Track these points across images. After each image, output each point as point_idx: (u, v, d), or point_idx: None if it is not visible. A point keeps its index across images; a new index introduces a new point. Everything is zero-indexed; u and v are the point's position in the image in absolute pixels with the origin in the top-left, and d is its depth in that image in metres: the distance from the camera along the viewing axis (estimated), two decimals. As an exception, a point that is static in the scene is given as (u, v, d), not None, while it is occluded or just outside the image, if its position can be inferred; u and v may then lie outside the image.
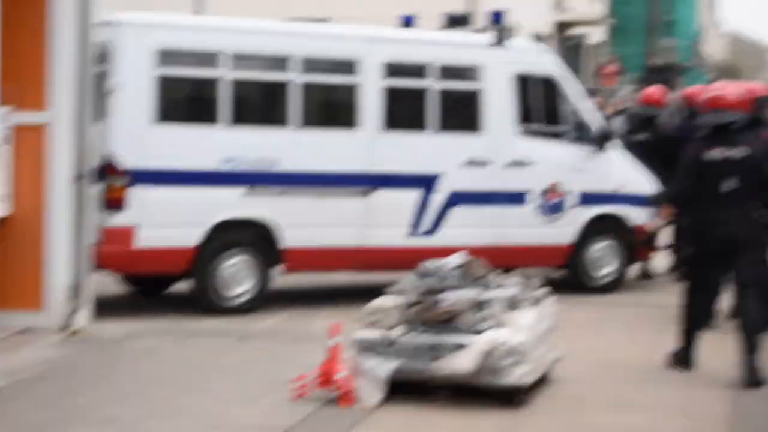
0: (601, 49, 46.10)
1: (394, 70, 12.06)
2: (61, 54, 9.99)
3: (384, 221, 11.99)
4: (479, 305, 8.22)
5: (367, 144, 11.95)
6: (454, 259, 8.70)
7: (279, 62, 11.59)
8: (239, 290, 11.38)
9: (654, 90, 14.87)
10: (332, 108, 12.27)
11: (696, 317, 9.32)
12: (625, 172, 13.21)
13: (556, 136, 12.87)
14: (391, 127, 12.06)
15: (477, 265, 8.71)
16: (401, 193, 12.12)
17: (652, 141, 14.00)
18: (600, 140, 12.97)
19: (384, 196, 12.00)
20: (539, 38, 37.98)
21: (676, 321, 9.46)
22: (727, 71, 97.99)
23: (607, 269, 13.14)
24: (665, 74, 39.05)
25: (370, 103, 11.92)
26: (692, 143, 9.52)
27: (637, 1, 61.20)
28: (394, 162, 12.09)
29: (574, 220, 12.88)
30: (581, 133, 12.97)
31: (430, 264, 8.61)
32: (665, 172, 13.66)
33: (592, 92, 26.46)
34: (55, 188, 10.04)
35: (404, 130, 12.19)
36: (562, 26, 41.40)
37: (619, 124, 23.03)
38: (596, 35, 45.56)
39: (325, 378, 7.85)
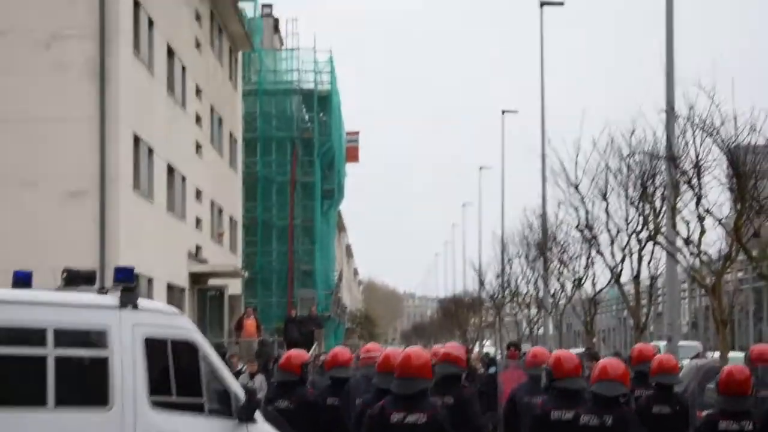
0: (240, 301, 45.46)
1: (3, 335, 10.32)
2: None
3: None
4: None
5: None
6: None
7: None
8: None
9: (295, 354, 13.70)
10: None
11: None
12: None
13: (194, 407, 11.30)
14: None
15: None
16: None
17: (294, 408, 12.80)
18: (245, 411, 11.49)
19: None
20: (175, 290, 36.93)
21: None
22: (365, 320, 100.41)
23: None
24: (305, 325, 38.51)
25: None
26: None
27: (275, 252, 61.61)
28: (5, 443, 10.19)
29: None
30: (223, 403, 11.48)
31: None
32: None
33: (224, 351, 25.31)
34: None
35: (16, 405, 10.34)
36: (198, 277, 40.51)
37: (259, 383, 21.98)
38: (234, 287, 44.96)
39: None
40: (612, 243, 27.93)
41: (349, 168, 79.33)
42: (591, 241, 29.77)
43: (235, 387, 11.62)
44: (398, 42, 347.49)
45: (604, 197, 27.36)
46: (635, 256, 26.89)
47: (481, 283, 59.88)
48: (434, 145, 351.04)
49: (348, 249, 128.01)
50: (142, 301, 11.29)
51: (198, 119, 42.34)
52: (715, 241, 21.06)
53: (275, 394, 13.32)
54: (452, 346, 13.21)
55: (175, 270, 37.13)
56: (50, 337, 10.49)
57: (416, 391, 10.06)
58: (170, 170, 36.90)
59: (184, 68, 39.42)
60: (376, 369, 11.60)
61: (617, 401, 10.35)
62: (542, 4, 46.70)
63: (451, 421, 11.73)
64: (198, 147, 42.09)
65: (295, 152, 61.92)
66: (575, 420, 10.38)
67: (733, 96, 19.00)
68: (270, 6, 68.25)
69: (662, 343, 25.72)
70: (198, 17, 42.68)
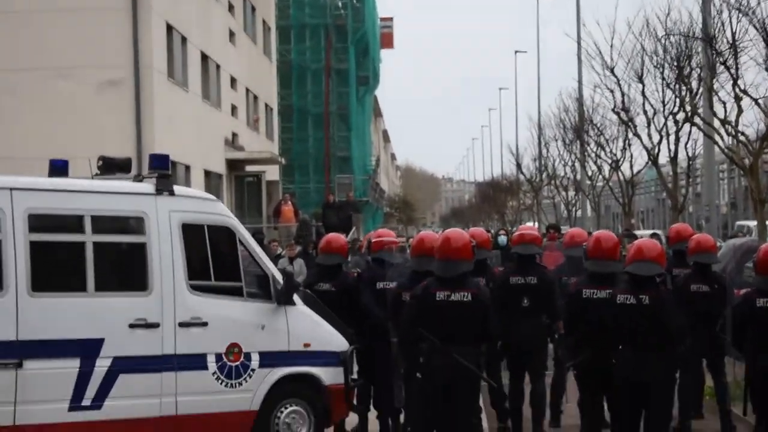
0: (277, 187, 45.61)
1: (43, 222, 10.46)
2: None
3: (40, 396, 10.20)
4: None
5: (12, 309, 10.17)
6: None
7: None
8: None
9: (334, 237, 13.72)
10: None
11: None
12: (313, 328, 11.91)
13: (232, 291, 11.46)
14: (41, 288, 10.33)
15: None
16: (58, 363, 10.36)
17: (335, 291, 12.89)
18: (283, 294, 11.64)
19: (37, 366, 10.23)
20: (212, 177, 37.10)
21: None
22: (403, 204, 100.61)
23: (298, 436, 11.77)
24: (343, 210, 38.61)
25: (15, 262, 10.20)
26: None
27: (311, 139, 61.65)
28: (48, 327, 10.34)
29: (259, 383, 11.45)
30: (261, 287, 11.63)
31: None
32: (354, 325, 12.58)
33: (262, 237, 25.43)
34: None
35: (57, 291, 10.50)
36: (235, 164, 40.64)
37: (298, 267, 22.13)
38: (272, 173, 45.10)
39: None
40: (649, 125, 27.76)
41: (384, 54, 78.89)
42: (628, 124, 29.59)
43: (273, 271, 11.77)
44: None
45: (640, 79, 27.10)
46: (672, 138, 26.74)
47: (519, 167, 59.76)
48: (469, 30, 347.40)
49: (385, 134, 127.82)
50: (177, 188, 11.40)
51: (231, 7, 42.09)
52: (752, 122, 20.92)
53: (316, 277, 13.39)
54: (526, 227, 13.25)
55: (212, 157, 37.27)
56: (88, 224, 10.62)
57: (458, 273, 10.09)
58: (204, 58, 36.82)
59: (215, -45, 39.14)
60: (411, 253, 11.64)
61: (653, 281, 10.36)
62: None
63: (534, 301, 12.25)
64: (231, 35, 41.91)
65: (329, 39, 61.58)
66: (612, 298, 10.41)
67: (769, -25, 18.65)
68: None
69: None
70: None
